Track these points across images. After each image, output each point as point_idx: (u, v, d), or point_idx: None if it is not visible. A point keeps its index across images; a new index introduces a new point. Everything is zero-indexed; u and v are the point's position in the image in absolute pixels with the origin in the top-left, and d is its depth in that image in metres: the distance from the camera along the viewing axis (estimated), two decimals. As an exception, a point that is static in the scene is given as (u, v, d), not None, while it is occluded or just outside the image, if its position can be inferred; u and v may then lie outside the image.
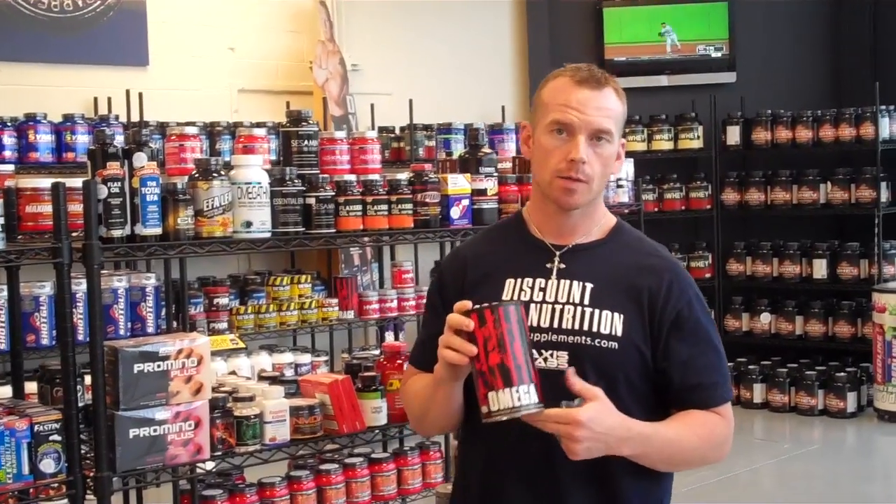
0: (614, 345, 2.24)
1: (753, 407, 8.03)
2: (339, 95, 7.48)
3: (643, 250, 2.38)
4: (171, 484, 4.52)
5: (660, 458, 2.26)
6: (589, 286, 2.29)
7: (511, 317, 2.11)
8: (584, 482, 2.25)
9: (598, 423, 2.11)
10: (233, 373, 4.66)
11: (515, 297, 2.31)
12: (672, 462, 2.29)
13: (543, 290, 2.31)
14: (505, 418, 2.10)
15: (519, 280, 2.33)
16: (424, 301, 2.63)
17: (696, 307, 2.31)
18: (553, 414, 2.10)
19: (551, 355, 2.26)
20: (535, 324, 2.27)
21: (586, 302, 2.27)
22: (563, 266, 2.32)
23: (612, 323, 2.25)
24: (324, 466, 4.41)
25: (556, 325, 2.27)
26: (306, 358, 5.82)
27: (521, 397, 2.09)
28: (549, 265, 2.33)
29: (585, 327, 2.26)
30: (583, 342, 2.25)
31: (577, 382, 2.14)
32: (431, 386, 2.31)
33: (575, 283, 2.30)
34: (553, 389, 2.19)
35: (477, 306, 2.13)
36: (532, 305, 2.29)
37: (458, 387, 2.26)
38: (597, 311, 2.26)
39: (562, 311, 2.28)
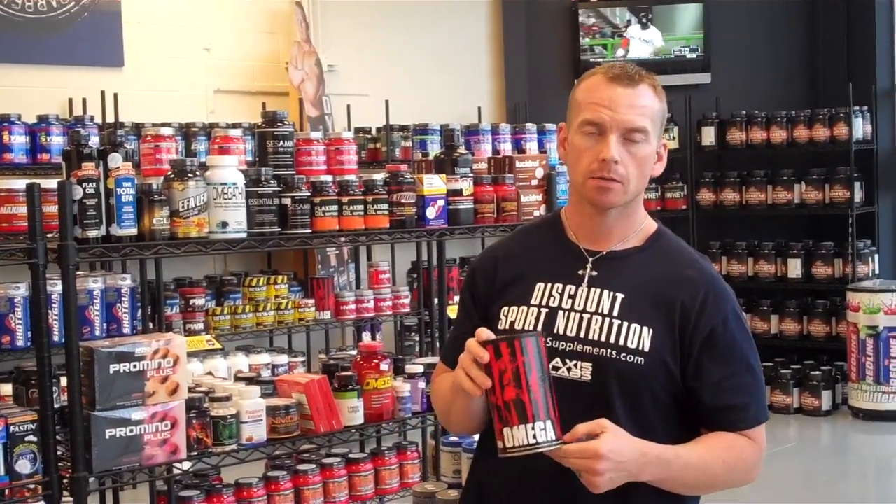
0: (641, 360, 2.17)
1: (729, 406, 8.06)
2: (316, 96, 7.48)
3: (682, 261, 2.28)
4: (147, 485, 4.52)
5: (682, 483, 2.20)
6: (620, 297, 2.22)
7: (528, 350, 2.03)
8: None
9: (618, 452, 2.05)
10: (210, 374, 4.65)
11: (544, 303, 2.25)
12: (696, 487, 2.24)
13: (573, 297, 2.24)
14: (521, 454, 2.03)
15: (549, 285, 2.27)
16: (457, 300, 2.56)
17: (732, 324, 2.22)
18: (573, 450, 2.04)
19: (575, 366, 2.20)
20: (561, 332, 2.22)
21: (615, 313, 2.20)
22: (595, 273, 2.25)
23: (640, 337, 2.18)
24: (301, 467, 4.41)
25: (582, 335, 2.21)
26: (283, 359, 5.80)
27: (538, 434, 2.02)
28: (581, 272, 2.26)
29: (612, 340, 2.19)
30: (608, 355, 2.18)
31: (580, 428, 2.06)
32: (452, 391, 2.25)
33: (606, 292, 2.23)
34: (572, 401, 2.15)
35: (493, 338, 2.06)
36: (560, 312, 2.23)
37: (478, 400, 2.18)
38: (625, 324, 2.19)
39: (589, 320, 2.21)
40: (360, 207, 3.81)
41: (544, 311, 2.24)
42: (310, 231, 3.69)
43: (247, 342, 6.13)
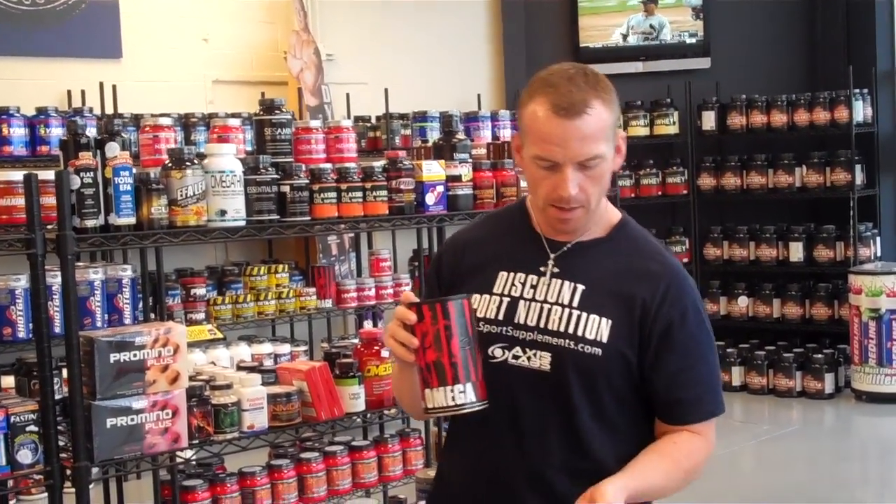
0: (598, 351, 2.18)
1: (732, 390, 8.06)
2: (315, 85, 7.47)
3: (644, 253, 2.29)
4: (151, 475, 4.52)
5: (653, 499, 2.23)
6: (580, 288, 2.23)
7: (451, 313, 2.07)
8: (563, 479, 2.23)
9: (618, 499, 2.06)
10: (212, 364, 4.66)
11: (506, 292, 2.27)
12: (662, 497, 2.26)
13: (534, 287, 2.25)
14: (441, 415, 2.12)
15: (512, 274, 2.28)
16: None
17: (691, 318, 2.22)
18: None
19: (535, 355, 2.21)
20: (521, 321, 2.23)
21: (575, 304, 2.22)
22: (557, 265, 2.26)
23: (598, 328, 2.19)
24: (304, 455, 4.41)
25: (542, 325, 2.22)
26: (285, 348, 5.82)
27: (456, 397, 2.07)
28: (543, 263, 2.27)
29: (571, 330, 2.20)
30: (566, 345, 2.20)
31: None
32: (397, 370, 2.31)
33: (567, 283, 2.24)
34: (533, 390, 2.20)
35: (417, 300, 2.11)
36: (521, 302, 2.25)
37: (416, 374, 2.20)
38: (584, 315, 2.20)
39: (549, 311, 2.22)
40: (359, 194, 3.81)
41: (506, 300, 2.26)
42: (309, 218, 3.69)
43: (248, 331, 6.14)
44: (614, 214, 2.34)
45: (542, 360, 2.21)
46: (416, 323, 2.09)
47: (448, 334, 2.07)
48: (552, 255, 2.27)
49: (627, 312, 2.20)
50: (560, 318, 2.21)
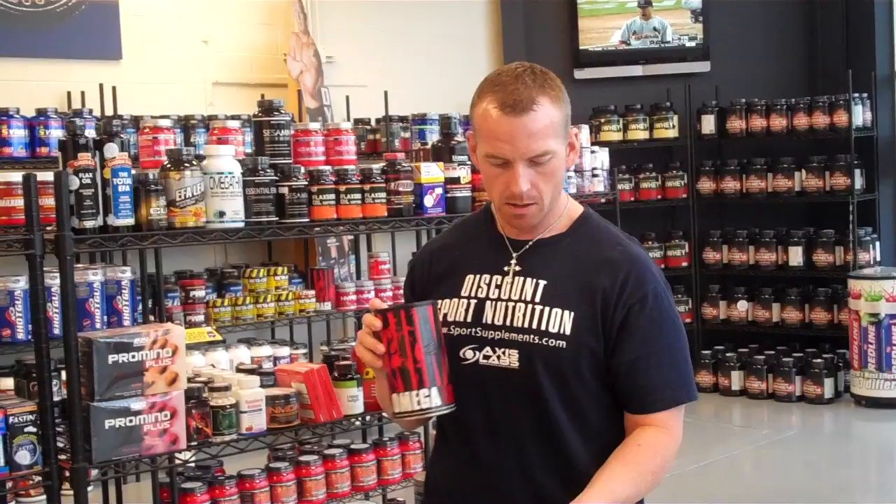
0: (563, 343, 2.20)
1: (731, 394, 8.07)
2: (314, 87, 7.47)
3: (605, 242, 2.30)
4: (150, 478, 4.52)
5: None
6: (542, 283, 2.25)
7: (415, 319, 2.11)
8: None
9: None
10: (211, 366, 4.65)
11: (473, 294, 2.29)
12: (635, 501, 2.25)
13: (499, 287, 2.28)
14: (408, 419, 2.15)
15: (477, 276, 2.31)
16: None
17: (651, 304, 2.23)
18: None
19: (503, 353, 2.24)
20: (489, 321, 2.26)
21: (537, 299, 2.24)
22: (519, 263, 2.29)
23: (561, 321, 2.21)
24: (303, 458, 4.41)
25: (507, 322, 2.25)
26: (285, 351, 5.79)
27: (422, 401, 2.12)
28: (507, 263, 2.30)
29: (535, 325, 2.22)
30: (532, 341, 2.22)
31: None
32: (378, 379, 2.32)
33: (529, 279, 2.26)
34: (505, 388, 2.23)
35: (382, 307, 2.14)
36: (487, 303, 2.28)
37: None
38: (546, 309, 2.23)
39: (514, 308, 2.25)
40: (358, 196, 3.81)
41: (473, 301, 2.29)
42: (307, 220, 3.69)
43: (248, 334, 6.13)
44: (575, 209, 2.36)
45: (511, 358, 2.23)
46: (382, 329, 2.13)
47: (412, 340, 2.11)
48: (514, 254, 2.30)
49: (589, 303, 2.22)
50: (524, 315, 2.24)
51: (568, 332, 2.21)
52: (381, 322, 2.12)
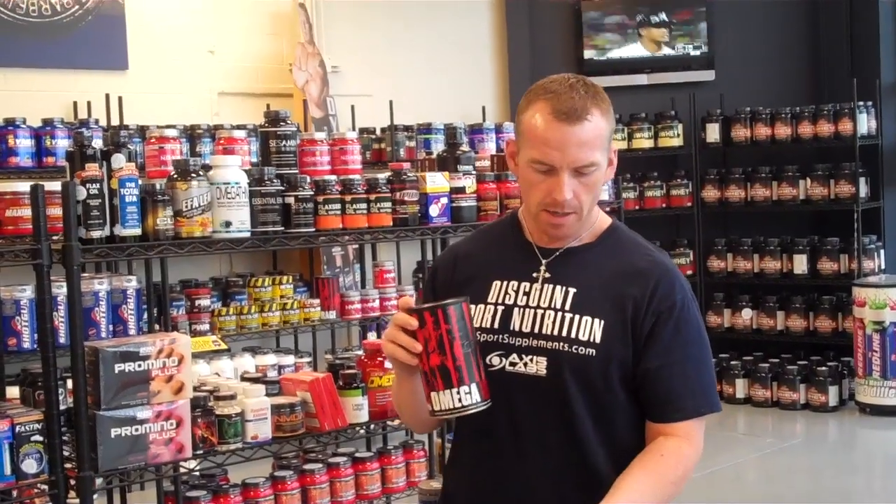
0: (592, 352, 2.20)
1: (736, 402, 8.06)
2: (320, 97, 7.49)
3: (634, 253, 2.31)
4: (155, 485, 4.53)
5: None
6: (572, 291, 2.25)
7: (451, 317, 2.10)
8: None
9: None
10: (216, 375, 4.67)
11: (500, 300, 2.29)
12: None
13: (528, 294, 2.28)
14: (449, 416, 2.14)
15: (505, 283, 2.31)
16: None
17: (678, 314, 2.23)
18: None
19: (531, 360, 2.23)
20: (516, 328, 2.25)
21: (567, 307, 2.24)
22: (549, 270, 2.29)
23: (591, 329, 2.21)
24: (308, 466, 4.42)
25: (536, 330, 2.24)
26: (290, 359, 5.82)
27: (462, 398, 2.11)
28: (536, 269, 2.30)
29: (564, 333, 2.22)
30: (561, 348, 2.21)
31: None
32: (397, 381, 2.33)
33: (558, 287, 2.26)
34: (531, 395, 2.22)
35: (417, 307, 2.13)
36: (515, 310, 2.27)
37: (419, 386, 2.20)
38: (577, 317, 2.22)
39: (543, 316, 2.25)
40: (364, 206, 3.83)
41: (500, 308, 2.29)
42: (313, 230, 3.71)
43: (252, 342, 6.16)
44: (604, 220, 2.36)
45: (539, 365, 2.22)
46: (418, 329, 2.11)
47: (450, 338, 2.10)
48: (543, 262, 2.30)
49: (619, 312, 2.22)
50: (553, 322, 2.24)
51: (598, 340, 2.20)
52: (416, 321, 2.11)
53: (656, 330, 2.22)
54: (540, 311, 2.25)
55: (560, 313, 2.24)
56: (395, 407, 2.48)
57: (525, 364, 2.24)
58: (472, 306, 2.27)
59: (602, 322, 2.21)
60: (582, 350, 2.20)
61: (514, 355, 2.24)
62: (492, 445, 2.27)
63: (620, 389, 2.23)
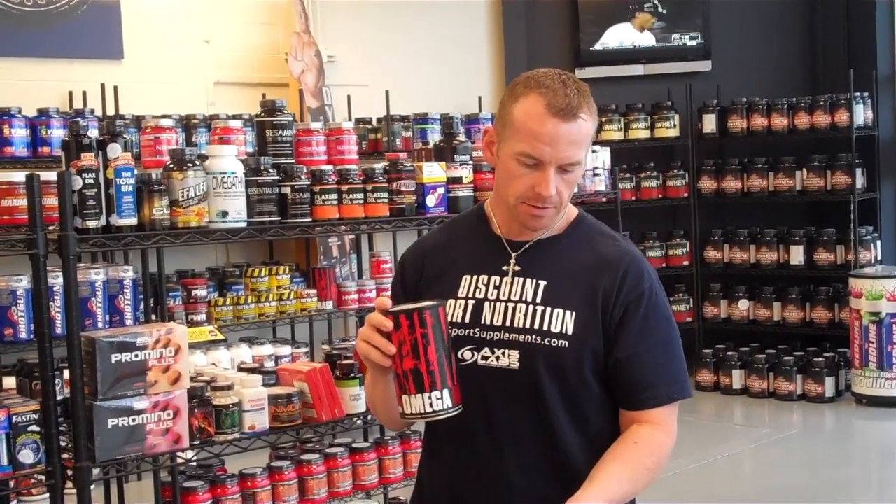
0: (565, 343, 2.21)
1: (732, 393, 8.07)
2: (316, 87, 7.48)
3: (601, 243, 2.32)
4: (152, 476, 4.53)
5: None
6: (542, 283, 2.25)
7: (427, 321, 2.09)
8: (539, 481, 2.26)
9: None
10: (213, 365, 4.66)
11: (471, 294, 2.29)
12: (628, 500, 2.25)
13: (498, 287, 2.28)
14: (418, 421, 2.13)
15: (475, 277, 2.30)
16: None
17: (647, 302, 2.25)
18: None
19: (503, 354, 2.23)
20: (487, 322, 2.26)
21: (538, 300, 2.24)
22: (519, 263, 2.29)
23: (563, 321, 2.22)
24: (305, 456, 4.41)
25: (507, 323, 2.24)
26: (287, 350, 5.80)
27: (434, 403, 2.10)
28: (505, 263, 2.30)
29: (536, 326, 2.22)
30: (533, 341, 2.22)
31: None
32: (371, 378, 2.32)
33: (529, 280, 2.26)
34: (505, 389, 2.22)
35: (393, 309, 2.11)
36: (486, 303, 2.27)
37: (392, 382, 2.20)
38: (548, 310, 2.23)
39: (514, 309, 2.25)
40: (360, 196, 3.82)
41: (471, 302, 2.29)
42: (310, 220, 3.70)
43: (249, 333, 6.14)
44: (571, 211, 2.36)
45: (511, 358, 2.23)
46: (393, 330, 2.10)
47: (425, 342, 2.09)
48: (513, 255, 2.30)
49: (590, 304, 2.23)
50: (525, 315, 2.24)
51: (570, 332, 2.21)
52: (391, 323, 2.10)
53: (626, 319, 2.23)
54: (511, 305, 2.26)
55: (531, 306, 2.24)
56: (369, 404, 2.47)
57: (497, 358, 2.24)
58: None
59: (573, 314, 2.22)
60: (555, 342, 2.21)
61: (486, 349, 2.24)
62: (466, 440, 2.28)
63: (593, 380, 2.24)
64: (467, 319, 2.27)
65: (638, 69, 8.81)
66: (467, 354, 2.25)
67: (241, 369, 3.95)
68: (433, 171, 3.98)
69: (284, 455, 4.44)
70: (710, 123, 8.65)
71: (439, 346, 2.10)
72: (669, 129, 8.73)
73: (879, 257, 8.29)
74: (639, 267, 2.28)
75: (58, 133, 5.78)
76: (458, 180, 4.03)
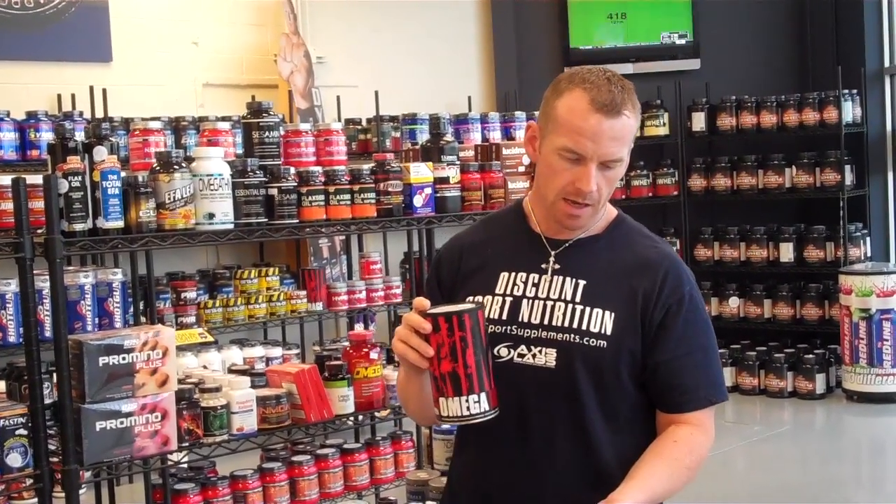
0: (603, 343, 2.20)
1: (723, 390, 8.07)
2: (305, 88, 7.48)
3: (641, 244, 2.32)
4: (143, 479, 4.53)
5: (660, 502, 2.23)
6: (582, 283, 2.25)
7: (466, 324, 2.08)
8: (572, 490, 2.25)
9: None
10: (204, 367, 4.66)
11: (508, 292, 2.28)
12: (668, 498, 2.26)
13: (536, 285, 2.27)
14: (455, 423, 2.13)
15: (513, 274, 2.30)
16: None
17: (687, 306, 2.25)
18: None
19: (540, 352, 2.22)
20: (525, 319, 2.25)
21: (577, 299, 2.24)
22: (558, 262, 2.28)
23: (602, 321, 2.21)
24: (296, 458, 4.42)
25: (546, 321, 2.23)
26: (277, 351, 5.82)
27: (471, 406, 2.09)
28: (544, 261, 2.29)
29: (575, 325, 2.22)
30: (572, 340, 2.21)
31: None
32: (405, 376, 2.30)
33: (568, 279, 2.26)
34: (539, 387, 2.21)
35: (432, 311, 2.10)
36: (524, 301, 2.26)
37: (428, 383, 2.19)
38: (588, 309, 2.22)
39: (553, 307, 2.24)
40: (347, 197, 3.82)
41: (509, 299, 2.28)
42: (297, 221, 3.70)
43: (240, 335, 6.15)
44: (611, 211, 2.36)
45: (548, 357, 2.22)
46: (431, 333, 2.09)
47: (464, 345, 2.08)
48: (552, 253, 2.29)
49: (630, 305, 2.23)
50: (564, 314, 2.23)
51: (609, 332, 2.21)
52: (430, 325, 2.08)
53: (667, 322, 2.23)
54: (550, 303, 2.25)
55: (570, 305, 2.24)
56: (401, 399, 2.45)
57: (534, 356, 2.23)
58: (480, 297, 2.28)
59: (612, 314, 2.22)
60: (593, 342, 2.21)
61: (523, 346, 2.24)
62: (498, 438, 2.26)
63: (629, 381, 2.24)
64: (504, 316, 2.27)
65: (627, 68, 8.81)
66: (503, 352, 2.25)
67: (230, 371, 3.95)
68: (420, 172, 3.98)
69: (275, 456, 4.44)
70: (699, 121, 8.67)
71: (478, 349, 2.09)
72: (659, 127, 8.75)
73: (869, 254, 8.31)
74: (678, 270, 2.29)
75: (47, 136, 5.79)
76: (445, 180, 4.03)
